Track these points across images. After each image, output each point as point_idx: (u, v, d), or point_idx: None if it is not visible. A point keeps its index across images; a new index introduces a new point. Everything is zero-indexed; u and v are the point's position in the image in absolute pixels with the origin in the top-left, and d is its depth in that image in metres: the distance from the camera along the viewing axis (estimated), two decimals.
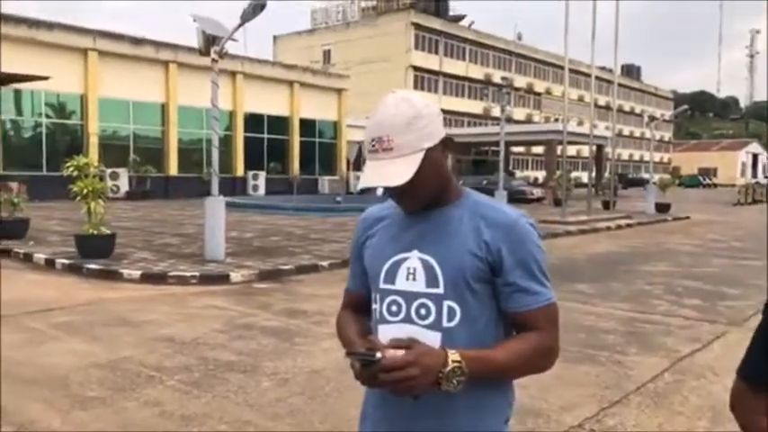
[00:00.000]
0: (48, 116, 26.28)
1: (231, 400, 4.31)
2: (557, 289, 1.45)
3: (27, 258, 10.27)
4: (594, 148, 33.17)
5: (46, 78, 22.95)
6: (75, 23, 26.48)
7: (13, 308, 6.92)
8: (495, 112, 40.24)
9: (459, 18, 57.51)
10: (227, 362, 5.15)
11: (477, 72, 55.31)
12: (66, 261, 9.60)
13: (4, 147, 24.38)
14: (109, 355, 5.30)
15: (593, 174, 30.37)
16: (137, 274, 8.77)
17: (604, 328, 6.55)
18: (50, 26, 25.43)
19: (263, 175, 32.18)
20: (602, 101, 59.55)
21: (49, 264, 9.77)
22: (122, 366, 5.00)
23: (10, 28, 23.95)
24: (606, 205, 25.46)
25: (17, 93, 24.91)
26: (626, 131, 74.52)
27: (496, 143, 23.09)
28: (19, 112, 25.50)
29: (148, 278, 8.67)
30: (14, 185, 12.51)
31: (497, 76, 54.34)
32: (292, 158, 34.90)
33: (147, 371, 4.90)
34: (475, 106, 54.56)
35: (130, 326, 6.31)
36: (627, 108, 74.53)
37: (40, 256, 10.10)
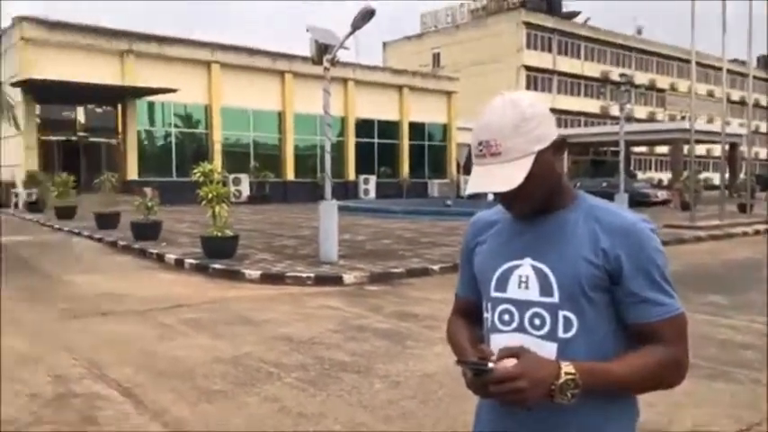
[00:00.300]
0: (177, 126, 28.27)
1: (345, 400, 4.39)
2: (685, 299, 1.35)
3: (159, 258, 11.06)
4: (727, 146, 30.78)
5: (174, 91, 24.83)
6: (199, 38, 28.33)
7: (149, 304, 7.49)
8: (614, 110, 38.52)
9: (573, 15, 55.58)
10: (341, 362, 5.26)
11: (593, 70, 53.19)
12: (193, 261, 10.24)
13: (140, 155, 26.49)
14: (231, 351, 5.58)
15: (727, 175, 28.17)
16: (257, 274, 9.18)
17: (741, 342, 6.04)
18: (177, 41, 27.36)
19: (373, 178, 32.74)
20: (735, 95, 55.20)
21: (179, 263, 10.46)
22: (244, 362, 5.24)
23: (142, 45, 26.02)
24: (743, 209, 23.52)
25: (150, 105, 27.03)
26: (764, 128, 68.63)
27: (616, 143, 22.08)
28: (152, 122, 27.63)
29: (268, 278, 9.05)
30: (149, 191, 13.55)
31: (616, 74, 51.95)
32: (402, 162, 35.24)
33: (266, 367, 5.10)
34: (591, 105, 52.48)
35: (251, 324, 6.61)
36: (765, 103, 68.64)
37: (170, 256, 10.84)
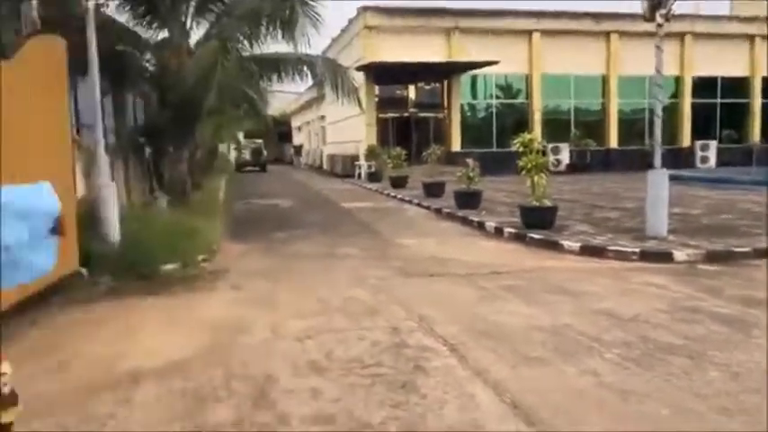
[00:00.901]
0: (497, 97, 28.97)
1: (673, 384, 4.04)
2: None
3: (480, 226, 11.57)
4: None
5: (496, 63, 25.42)
6: (521, 8, 28.31)
7: (470, 268, 7.91)
8: None
9: None
10: (669, 344, 4.84)
11: None
12: (511, 230, 10.46)
13: (462, 127, 27.93)
14: (550, 320, 5.57)
15: None
16: (576, 245, 8.97)
17: None
18: (500, 14, 27.78)
19: (713, 144, 29.08)
20: None
21: (498, 231, 10.80)
22: (562, 333, 5.19)
23: (466, 21, 27.09)
24: None
25: (473, 78, 28.17)
26: None
27: None
28: (474, 95, 28.80)
29: (587, 250, 8.77)
30: (470, 161, 14.15)
31: None
32: (752, 124, 30.57)
33: (585, 340, 4.97)
34: None
35: (569, 295, 6.49)
36: None
37: (490, 224, 11.25)
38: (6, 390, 2.44)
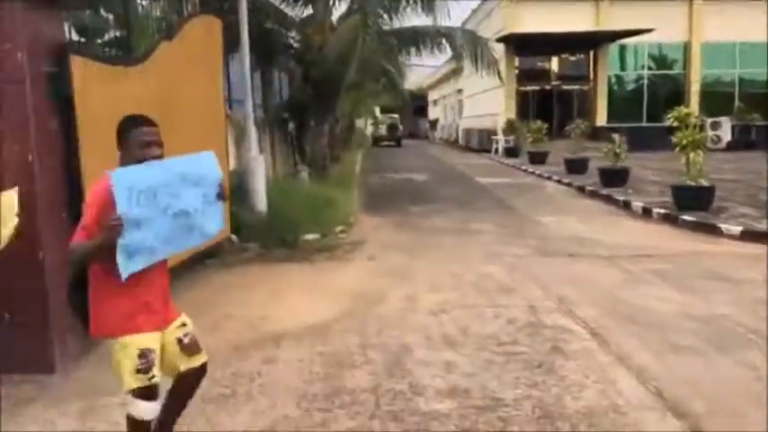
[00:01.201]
0: (649, 68, 27.01)
1: None
2: None
3: (626, 205, 10.91)
4: None
5: (650, 31, 23.65)
6: None
7: (613, 250, 7.51)
8: None
9: None
10: None
11: None
12: (661, 210, 9.76)
13: (609, 100, 26.39)
14: (703, 308, 5.15)
15: None
16: (737, 229, 8.19)
17: None
18: None
19: None
20: None
21: (646, 212, 10.13)
22: (717, 322, 4.79)
23: None
24: None
25: (621, 48, 26.49)
26: None
27: None
28: (623, 66, 27.08)
29: (750, 235, 7.97)
30: (617, 137, 13.35)
31: None
32: None
33: (744, 331, 4.55)
34: None
35: (728, 282, 5.96)
36: None
37: (637, 204, 10.58)
38: (187, 340, 2.67)
